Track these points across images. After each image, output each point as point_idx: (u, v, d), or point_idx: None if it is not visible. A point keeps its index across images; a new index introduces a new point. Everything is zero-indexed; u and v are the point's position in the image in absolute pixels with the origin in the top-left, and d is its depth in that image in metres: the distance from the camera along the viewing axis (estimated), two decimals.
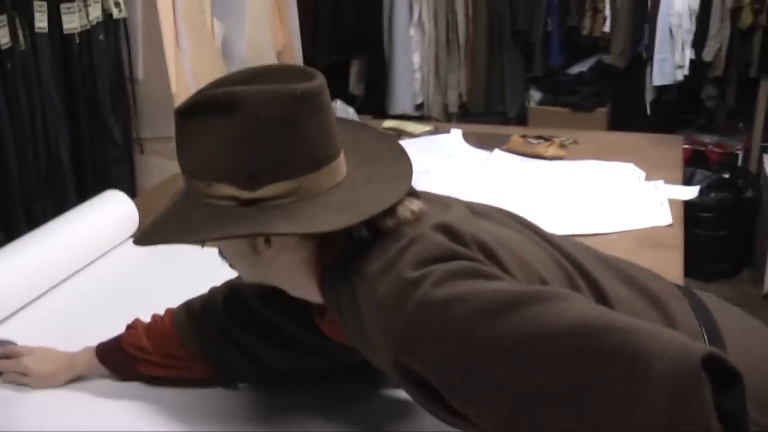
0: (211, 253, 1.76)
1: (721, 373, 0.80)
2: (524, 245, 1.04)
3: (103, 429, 1.26)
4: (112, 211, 1.84)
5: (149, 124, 2.81)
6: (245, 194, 0.99)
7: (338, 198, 1.02)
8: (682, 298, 1.09)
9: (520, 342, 0.85)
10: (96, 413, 1.31)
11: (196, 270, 1.71)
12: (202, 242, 1.11)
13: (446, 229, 0.98)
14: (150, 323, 1.36)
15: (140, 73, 2.75)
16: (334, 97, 2.59)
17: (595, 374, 0.82)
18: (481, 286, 0.91)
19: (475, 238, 0.98)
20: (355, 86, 4.49)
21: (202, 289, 1.63)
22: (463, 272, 0.92)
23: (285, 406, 1.29)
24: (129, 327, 1.37)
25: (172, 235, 1.07)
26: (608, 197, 2.07)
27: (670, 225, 1.91)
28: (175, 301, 1.57)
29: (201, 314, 1.32)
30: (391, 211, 1.00)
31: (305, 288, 1.09)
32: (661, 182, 2.15)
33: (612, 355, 0.81)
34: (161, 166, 2.75)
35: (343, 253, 1.02)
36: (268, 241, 1.03)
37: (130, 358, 1.34)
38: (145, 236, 1.08)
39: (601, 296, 1.01)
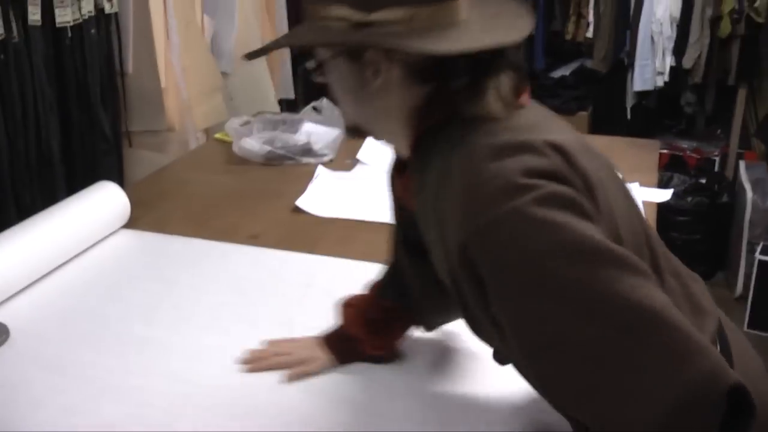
0: (204, 244, 1.84)
1: (736, 403, 0.83)
2: (617, 198, 1.03)
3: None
4: (104, 202, 1.88)
5: (138, 118, 2.85)
6: (358, 15, 1.00)
7: (451, 34, 1.00)
8: (714, 307, 1.10)
9: (585, 292, 0.86)
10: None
11: (189, 260, 1.78)
12: (313, 57, 1.11)
13: (561, 151, 0.96)
14: (360, 294, 1.42)
15: (130, 67, 2.79)
16: (319, 95, 2.66)
17: (636, 353, 0.84)
18: (576, 223, 0.89)
19: (584, 170, 0.97)
20: None
21: (194, 278, 1.69)
22: (566, 202, 0.91)
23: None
24: (345, 305, 1.42)
25: (279, 44, 1.12)
26: None
27: None
28: (168, 291, 1.63)
29: (389, 264, 1.40)
30: (491, 78, 1.01)
31: (398, 138, 1.09)
32: (636, 185, 2.21)
33: (659, 346, 0.83)
34: (149, 159, 2.80)
35: (454, 119, 1.01)
36: (375, 73, 1.03)
37: (354, 341, 1.39)
38: (253, 52, 1.10)
39: (658, 281, 0.99)
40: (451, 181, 0.96)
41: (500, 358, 1.13)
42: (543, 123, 1.03)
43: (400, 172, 1.16)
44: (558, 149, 0.96)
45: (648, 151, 2.60)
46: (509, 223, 0.89)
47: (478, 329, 1.08)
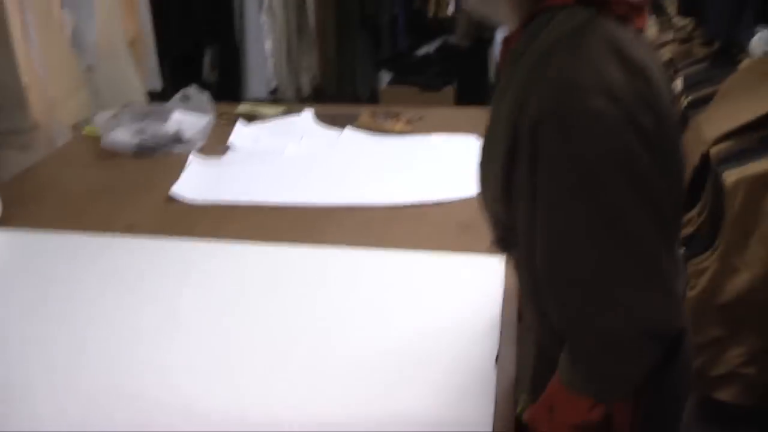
0: (80, 237, 1.83)
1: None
2: (677, 154, 1.09)
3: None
4: None
5: (1, 118, 2.78)
6: None
7: None
8: (684, 269, 1.21)
9: (621, 211, 0.96)
10: None
11: (66, 254, 1.78)
12: None
13: (658, 92, 1.03)
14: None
15: None
16: (187, 84, 2.66)
17: (627, 277, 0.97)
18: (646, 159, 0.97)
19: (668, 115, 1.04)
20: (208, 74, 4.51)
21: (72, 272, 1.69)
22: (647, 135, 0.97)
23: None
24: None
25: None
26: (451, 167, 2.22)
27: None
28: (46, 287, 1.63)
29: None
30: None
31: (513, 22, 1.12)
32: None
33: (645, 280, 0.98)
34: (16, 159, 2.73)
35: (567, 7, 1.05)
36: None
37: None
38: None
39: (671, 253, 1.07)
40: (553, 58, 1.00)
41: (503, 245, 1.20)
42: (652, 55, 1.08)
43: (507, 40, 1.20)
44: (656, 87, 1.02)
45: None
46: (594, 121, 0.95)
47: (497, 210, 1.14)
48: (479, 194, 1.20)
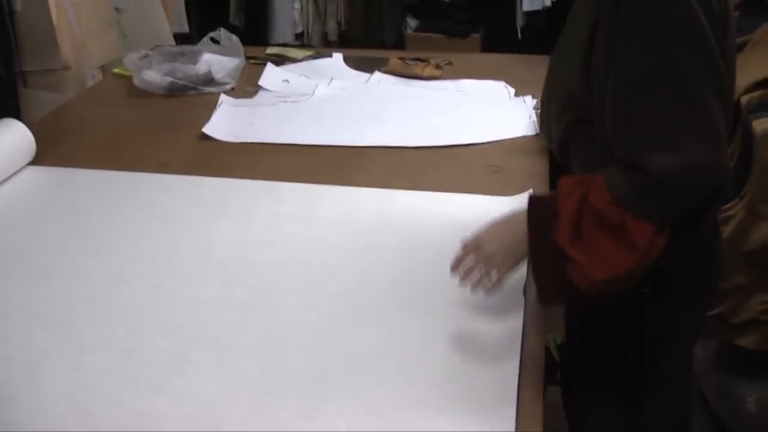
0: (114, 174, 1.86)
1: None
2: (731, 55, 1.28)
3: None
4: (8, 139, 1.87)
5: (32, 57, 2.80)
6: None
7: None
8: None
9: (687, 73, 1.13)
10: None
11: (100, 191, 1.80)
12: None
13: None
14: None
15: (18, 5, 2.74)
16: (213, 28, 2.66)
17: (688, 127, 1.13)
18: (709, 33, 1.14)
19: (729, 12, 1.22)
20: (234, 17, 4.50)
21: (108, 208, 1.72)
22: (713, 16, 1.15)
23: None
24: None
25: None
26: (481, 111, 2.22)
27: (536, 134, 2.07)
28: (83, 222, 1.66)
29: None
30: None
31: None
32: (529, 98, 2.31)
33: (701, 132, 1.13)
34: (46, 99, 2.76)
35: None
36: None
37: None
38: None
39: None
40: None
41: (570, 137, 1.37)
42: None
43: None
44: None
45: (539, 67, 2.66)
46: None
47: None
48: (545, 93, 1.44)
